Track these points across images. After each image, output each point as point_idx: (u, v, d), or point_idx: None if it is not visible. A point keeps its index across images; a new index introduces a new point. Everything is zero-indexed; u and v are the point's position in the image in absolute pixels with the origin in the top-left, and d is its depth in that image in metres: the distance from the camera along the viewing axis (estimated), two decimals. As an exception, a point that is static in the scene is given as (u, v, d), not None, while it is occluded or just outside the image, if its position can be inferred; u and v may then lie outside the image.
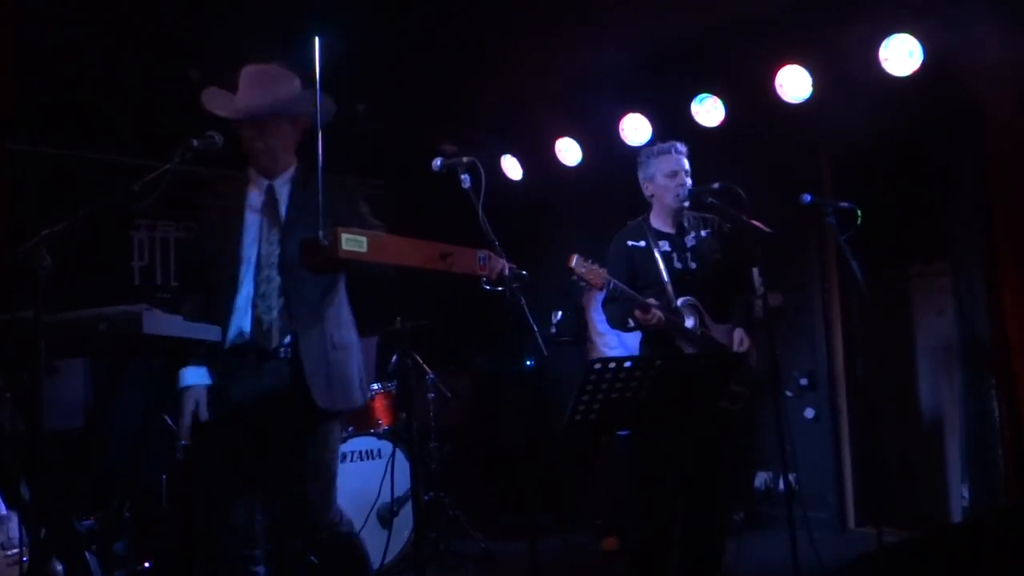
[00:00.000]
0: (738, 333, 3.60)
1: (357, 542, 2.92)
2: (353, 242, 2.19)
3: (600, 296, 5.28)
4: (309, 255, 2.23)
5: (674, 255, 3.61)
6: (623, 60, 5.31)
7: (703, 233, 3.67)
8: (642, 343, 3.66)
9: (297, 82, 2.91)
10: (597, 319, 5.34)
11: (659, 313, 3.39)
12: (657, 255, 3.55)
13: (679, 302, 3.49)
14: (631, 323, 3.49)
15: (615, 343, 5.22)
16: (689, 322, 3.50)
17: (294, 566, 3.51)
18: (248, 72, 2.94)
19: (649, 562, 3.44)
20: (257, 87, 2.88)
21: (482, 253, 2.57)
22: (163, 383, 3.74)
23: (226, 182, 3.00)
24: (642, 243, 3.55)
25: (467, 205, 2.79)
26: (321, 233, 2.18)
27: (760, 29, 4.87)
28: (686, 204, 3.61)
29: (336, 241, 2.17)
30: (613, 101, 5.65)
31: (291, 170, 2.95)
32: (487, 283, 2.62)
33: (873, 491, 5.20)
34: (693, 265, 3.60)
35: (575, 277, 3.32)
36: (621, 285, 3.40)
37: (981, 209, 4.64)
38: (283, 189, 2.91)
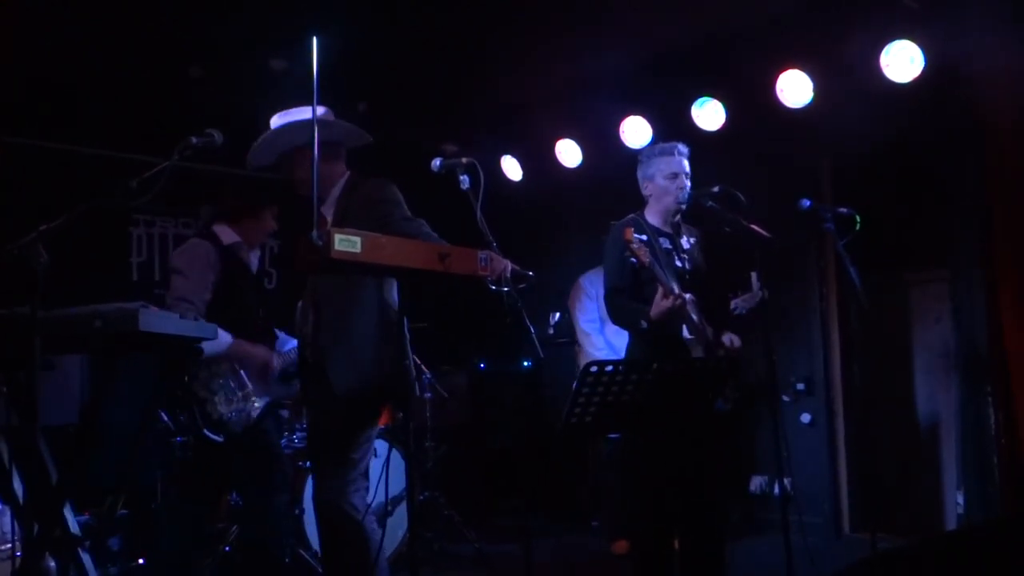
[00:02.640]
0: (728, 336, 3.61)
1: (361, 532, 3.02)
2: (346, 242, 2.18)
3: (587, 298, 5.28)
4: (303, 255, 2.22)
5: (674, 253, 3.61)
6: (624, 62, 5.31)
7: (692, 240, 3.71)
8: (642, 341, 3.60)
9: (301, 115, 3.10)
10: (581, 319, 5.32)
11: (684, 296, 3.38)
12: (659, 250, 3.55)
13: (684, 297, 3.46)
14: (644, 325, 3.43)
15: (601, 344, 5.19)
16: (694, 317, 3.50)
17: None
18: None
19: (652, 562, 3.44)
20: (263, 140, 3.16)
21: (483, 254, 2.55)
22: (160, 380, 3.75)
23: None
24: (644, 236, 3.53)
25: (466, 206, 2.79)
26: (315, 233, 2.17)
27: (762, 34, 4.87)
28: (684, 207, 3.61)
29: (329, 241, 2.16)
30: (614, 103, 5.65)
31: (338, 185, 3.15)
32: (492, 284, 2.62)
33: (868, 497, 5.20)
34: (688, 267, 3.61)
35: (627, 252, 3.35)
36: (658, 266, 3.39)
37: (980, 216, 4.63)
38: (329, 210, 3.11)
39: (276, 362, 3.75)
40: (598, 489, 5.58)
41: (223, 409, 3.58)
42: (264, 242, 3.96)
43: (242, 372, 3.63)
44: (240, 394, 3.63)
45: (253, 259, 3.86)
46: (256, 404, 3.65)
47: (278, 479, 3.74)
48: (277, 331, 4.04)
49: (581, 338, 5.31)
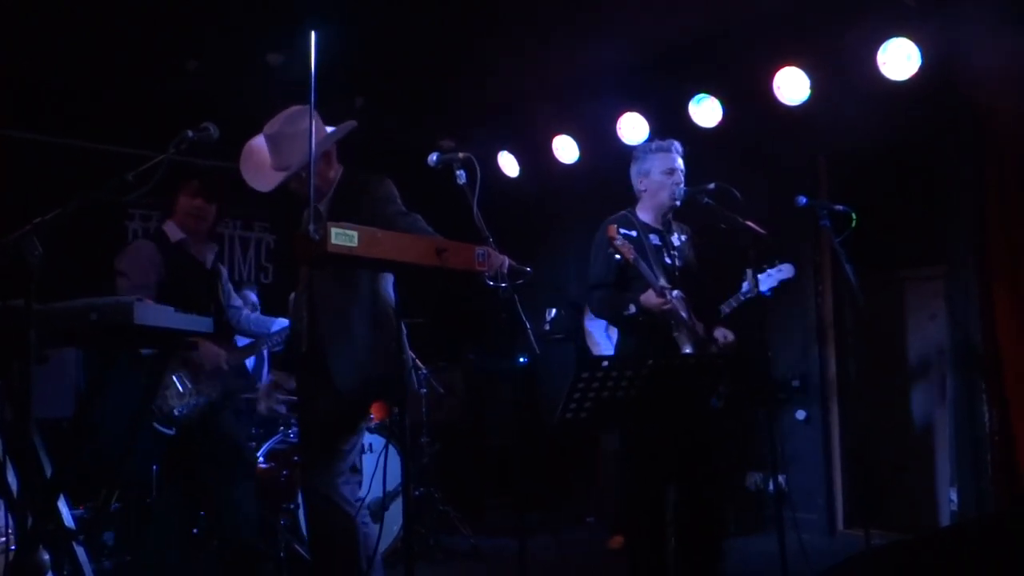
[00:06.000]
0: (720, 331, 3.61)
1: (350, 523, 3.00)
2: (343, 236, 2.19)
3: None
4: (300, 249, 2.23)
5: (664, 250, 3.61)
6: (622, 59, 5.31)
7: (683, 237, 3.71)
8: (631, 338, 3.62)
9: (303, 125, 2.97)
10: (586, 321, 5.34)
11: (673, 298, 3.38)
12: (648, 247, 3.54)
13: (672, 294, 3.46)
14: (632, 309, 3.44)
15: (604, 343, 5.20)
16: (683, 314, 3.50)
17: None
18: (264, 139, 3.08)
19: (646, 558, 3.44)
20: (260, 165, 3.08)
21: (480, 249, 2.55)
22: (155, 373, 3.74)
23: None
24: (633, 233, 3.53)
25: (463, 201, 2.78)
26: (311, 227, 2.18)
27: (759, 31, 4.87)
28: (678, 203, 3.61)
29: (326, 235, 2.16)
30: (611, 100, 5.65)
31: (333, 186, 3.11)
32: (489, 279, 2.61)
33: (862, 493, 5.21)
34: (678, 263, 3.62)
35: (611, 248, 3.35)
36: (643, 264, 3.39)
37: (975, 213, 4.64)
38: (325, 206, 3.07)
39: (226, 363, 3.74)
40: (603, 485, 5.57)
41: (174, 403, 3.61)
42: (198, 226, 3.82)
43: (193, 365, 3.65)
44: (191, 387, 3.64)
45: (208, 253, 3.87)
46: (208, 397, 3.67)
47: (239, 469, 3.75)
48: (268, 318, 4.04)
49: (587, 338, 5.34)
